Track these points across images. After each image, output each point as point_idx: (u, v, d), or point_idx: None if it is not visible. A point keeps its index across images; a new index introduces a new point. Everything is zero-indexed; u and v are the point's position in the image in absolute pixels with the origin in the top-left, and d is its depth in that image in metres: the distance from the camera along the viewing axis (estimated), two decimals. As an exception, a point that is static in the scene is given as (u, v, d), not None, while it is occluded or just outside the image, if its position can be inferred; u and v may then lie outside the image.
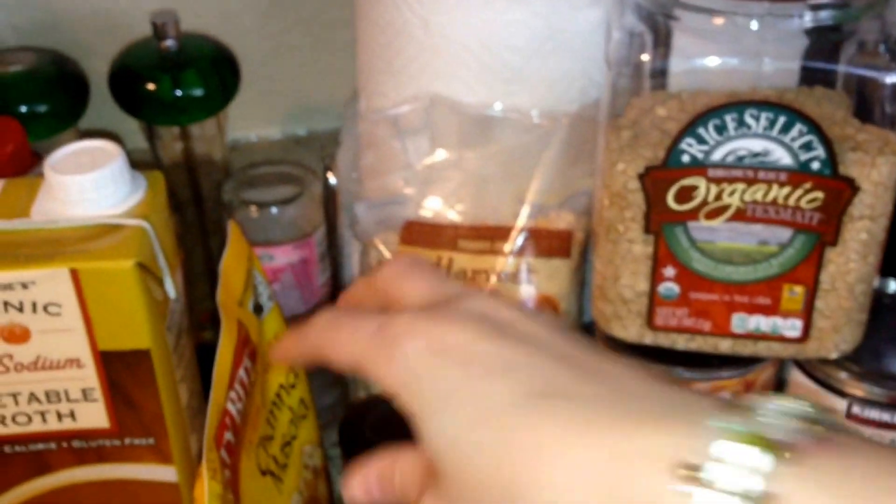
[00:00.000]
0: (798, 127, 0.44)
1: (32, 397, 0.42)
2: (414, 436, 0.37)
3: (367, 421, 0.48)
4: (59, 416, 0.42)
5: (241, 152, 0.75)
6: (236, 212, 0.58)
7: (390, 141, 0.56)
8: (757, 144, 0.44)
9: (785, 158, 0.44)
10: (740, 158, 0.45)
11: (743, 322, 0.48)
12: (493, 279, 0.54)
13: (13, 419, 0.42)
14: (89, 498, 0.45)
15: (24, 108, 0.59)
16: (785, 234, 0.46)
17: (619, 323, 0.50)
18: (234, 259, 0.45)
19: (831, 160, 0.44)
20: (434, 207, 0.55)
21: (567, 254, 0.55)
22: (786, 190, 0.45)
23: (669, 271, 0.47)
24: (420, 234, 0.55)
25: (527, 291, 0.54)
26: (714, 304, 0.48)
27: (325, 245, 0.61)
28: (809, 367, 0.51)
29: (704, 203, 0.46)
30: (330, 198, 0.61)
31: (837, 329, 0.48)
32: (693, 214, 0.46)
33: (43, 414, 0.42)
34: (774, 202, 0.45)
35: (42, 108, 0.60)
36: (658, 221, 0.46)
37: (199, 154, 0.62)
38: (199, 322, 0.64)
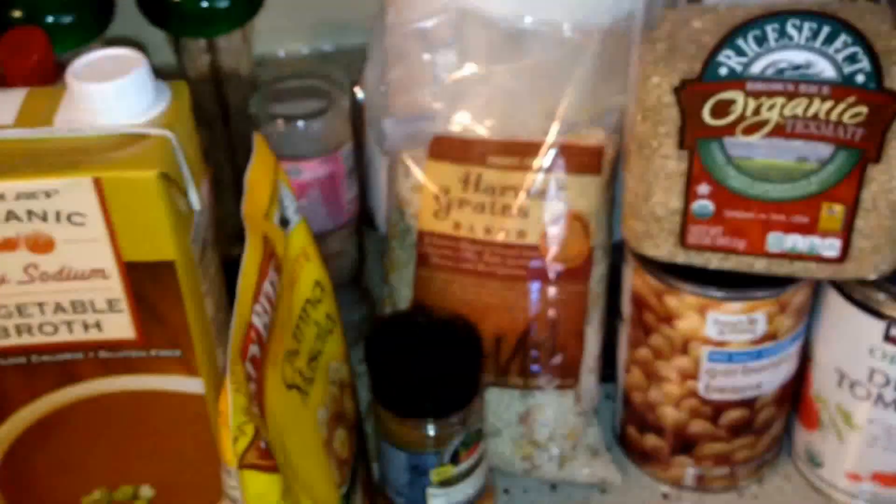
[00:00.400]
0: (843, 38, 0.42)
1: (58, 307, 0.42)
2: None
3: (392, 336, 0.48)
4: (86, 327, 0.42)
5: (267, 68, 0.74)
6: (263, 126, 0.58)
7: (418, 55, 0.55)
8: (799, 56, 0.43)
9: (828, 71, 0.43)
10: (780, 71, 0.43)
11: (779, 241, 0.47)
12: (523, 195, 0.54)
13: (40, 329, 0.42)
14: (117, 408, 0.45)
15: (49, 19, 0.58)
16: (826, 150, 0.44)
17: (650, 241, 0.49)
18: (259, 171, 0.44)
19: (877, 73, 0.42)
20: (463, 122, 0.54)
21: (598, 170, 0.54)
22: (828, 104, 0.43)
23: (704, 188, 0.46)
24: (448, 149, 0.54)
25: (556, 208, 0.53)
26: (750, 222, 0.47)
27: (353, 161, 0.61)
28: (847, 289, 0.50)
29: (742, 118, 0.44)
30: (357, 113, 0.60)
31: (877, 249, 0.47)
32: (730, 130, 0.44)
33: (69, 324, 0.42)
34: (816, 117, 0.44)
35: (68, 19, 0.59)
36: (693, 137, 0.45)
37: (226, 67, 0.61)
38: (227, 238, 0.64)
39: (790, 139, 0.44)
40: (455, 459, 0.49)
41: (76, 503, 0.48)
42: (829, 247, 0.47)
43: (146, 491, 0.48)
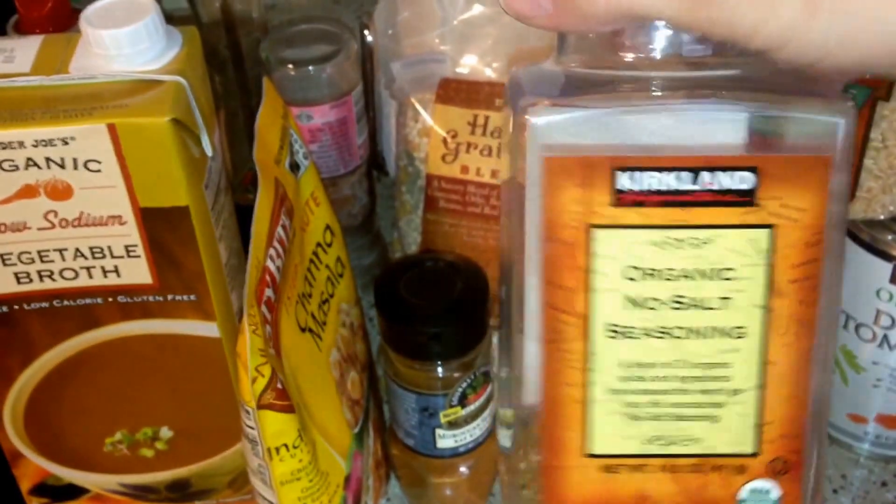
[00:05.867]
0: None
1: (78, 253, 0.42)
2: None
3: (401, 279, 0.49)
4: (104, 272, 0.43)
5: (278, 11, 0.74)
6: (274, 70, 0.58)
7: (427, -4, 0.55)
8: None
9: None
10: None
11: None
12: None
13: (61, 274, 0.43)
14: (136, 352, 0.46)
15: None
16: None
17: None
18: (268, 116, 0.45)
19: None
20: (470, 64, 0.54)
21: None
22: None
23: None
24: (456, 91, 0.54)
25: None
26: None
27: (363, 105, 0.61)
28: (854, 229, 0.50)
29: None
30: (367, 56, 0.60)
31: (886, 189, 0.47)
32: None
33: (89, 269, 0.43)
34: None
35: (77, -35, 0.59)
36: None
37: (237, 11, 0.61)
38: (242, 184, 0.64)
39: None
40: (463, 401, 0.49)
41: (99, 444, 0.49)
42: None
43: (165, 432, 0.49)
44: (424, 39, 0.55)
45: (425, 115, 0.55)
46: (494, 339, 0.56)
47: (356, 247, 0.65)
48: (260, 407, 0.39)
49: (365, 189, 0.65)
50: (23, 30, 0.53)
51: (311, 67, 0.57)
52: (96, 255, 0.42)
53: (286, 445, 0.40)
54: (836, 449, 0.58)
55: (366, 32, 0.61)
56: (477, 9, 0.54)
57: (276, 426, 0.40)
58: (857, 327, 0.53)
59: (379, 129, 0.64)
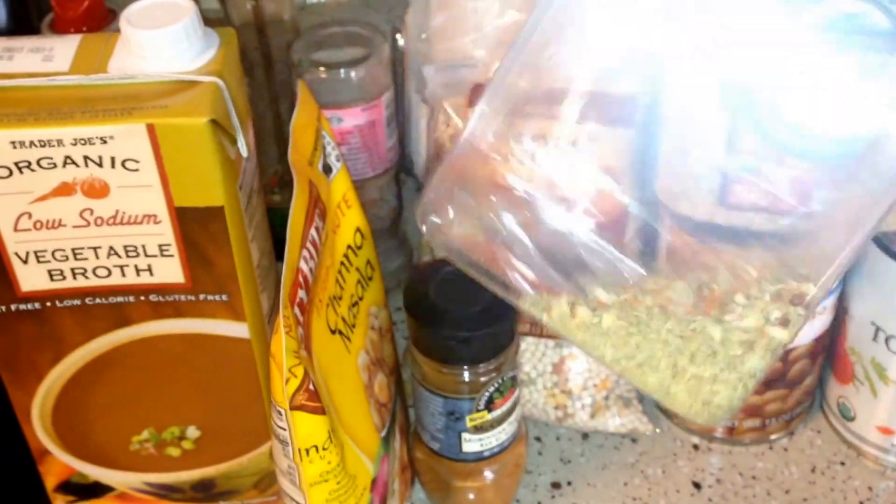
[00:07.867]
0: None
1: (112, 251, 0.43)
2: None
3: (431, 283, 0.49)
4: (137, 271, 0.43)
5: (309, 13, 0.74)
6: (305, 73, 0.58)
7: (461, 1, 0.55)
8: (850, 5, 0.42)
9: (882, 22, 0.42)
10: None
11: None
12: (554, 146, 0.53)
13: (94, 272, 0.43)
14: (166, 351, 0.46)
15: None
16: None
17: (687, 201, 0.49)
18: (303, 119, 0.45)
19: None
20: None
21: (631, 122, 0.53)
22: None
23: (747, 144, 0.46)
24: (490, 98, 0.54)
25: (586, 159, 0.53)
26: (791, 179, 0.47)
27: (393, 108, 0.61)
28: (886, 241, 0.50)
29: (789, 69, 0.44)
30: (398, 60, 0.61)
31: (920, 203, 0.47)
32: (776, 81, 0.44)
33: (122, 268, 0.43)
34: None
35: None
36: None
37: (268, 14, 0.61)
38: (267, 185, 0.65)
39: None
40: (489, 406, 0.49)
41: (126, 443, 0.49)
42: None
43: (192, 431, 0.49)
44: (457, 44, 0.55)
45: (457, 120, 0.55)
46: (522, 345, 0.56)
47: (382, 250, 0.65)
48: (292, 408, 0.39)
49: (393, 192, 0.65)
50: (58, 29, 0.54)
51: (342, 70, 0.58)
52: (130, 254, 0.43)
53: (316, 447, 0.41)
54: (862, 461, 0.57)
55: (397, 36, 0.61)
56: (511, 15, 0.54)
57: (307, 428, 0.40)
58: (888, 339, 0.52)
59: (407, 132, 0.64)
